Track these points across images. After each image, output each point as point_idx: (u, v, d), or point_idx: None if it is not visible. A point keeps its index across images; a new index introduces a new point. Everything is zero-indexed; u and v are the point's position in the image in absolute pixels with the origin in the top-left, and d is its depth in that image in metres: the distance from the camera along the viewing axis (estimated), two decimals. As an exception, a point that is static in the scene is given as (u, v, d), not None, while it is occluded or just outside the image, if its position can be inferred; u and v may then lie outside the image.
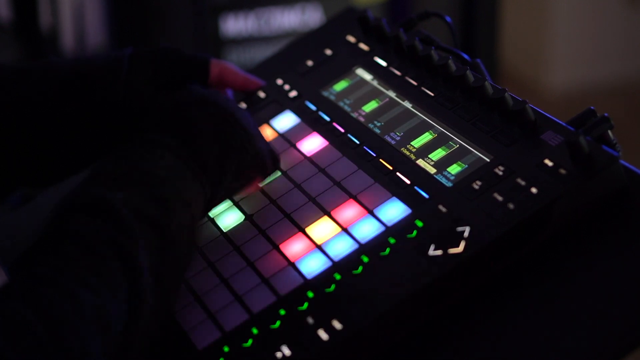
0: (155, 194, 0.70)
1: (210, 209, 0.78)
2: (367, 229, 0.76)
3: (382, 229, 0.75)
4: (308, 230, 0.78)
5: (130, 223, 0.67)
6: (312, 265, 0.75)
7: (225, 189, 0.78)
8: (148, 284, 0.66)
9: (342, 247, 0.75)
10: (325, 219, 0.78)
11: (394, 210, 0.76)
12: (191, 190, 0.73)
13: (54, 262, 0.64)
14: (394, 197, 0.77)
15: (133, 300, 0.64)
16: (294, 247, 0.77)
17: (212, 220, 0.83)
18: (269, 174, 0.82)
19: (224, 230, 0.82)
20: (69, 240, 0.66)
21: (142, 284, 0.65)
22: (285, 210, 0.81)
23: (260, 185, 0.84)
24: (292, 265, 0.75)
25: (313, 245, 0.76)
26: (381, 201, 0.78)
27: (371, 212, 0.77)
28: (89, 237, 0.66)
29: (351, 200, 0.79)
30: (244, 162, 0.78)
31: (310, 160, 0.85)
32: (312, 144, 0.87)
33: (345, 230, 0.76)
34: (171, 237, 0.69)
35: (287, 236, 0.78)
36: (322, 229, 0.78)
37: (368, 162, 0.82)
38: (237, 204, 0.84)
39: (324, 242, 0.76)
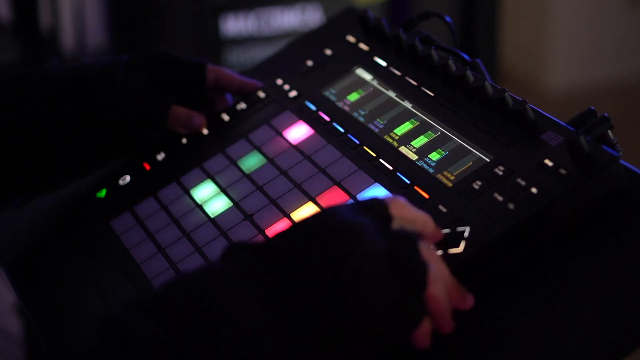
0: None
1: None
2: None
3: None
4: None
5: None
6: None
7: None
8: None
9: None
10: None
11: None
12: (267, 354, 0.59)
13: None
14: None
15: None
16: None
17: (213, 221, 0.83)
18: (390, 343, 0.63)
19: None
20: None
21: None
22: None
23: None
24: None
25: None
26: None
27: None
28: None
29: (348, 198, 0.79)
30: (343, 325, 0.61)
31: (310, 160, 0.85)
32: (313, 144, 0.87)
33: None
34: None
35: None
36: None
37: (368, 162, 0.82)
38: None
39: None
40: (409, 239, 0.64)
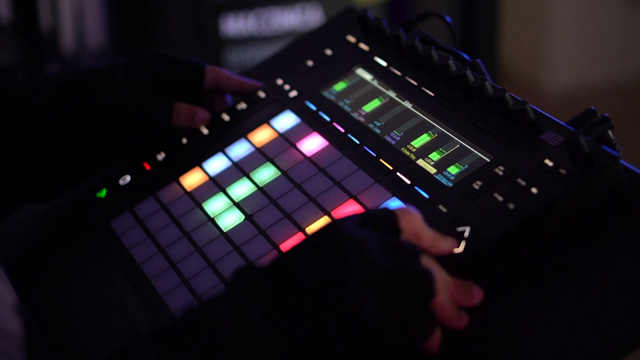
0: None
1: None
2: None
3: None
4: (308, 230, 0.78)
5: None
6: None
7: None
8: None
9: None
10: (326, 219, 0.78)
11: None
12: None
13: None
14: (394, 197, 0.77)
15: None
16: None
17: (212, 220, 0.83)
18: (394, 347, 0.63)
19: (224, 230, 0.82)
20: None
21: None
22: (285, 210, 0.81)
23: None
24: None
25: None
26: (381, 201, 0.78)
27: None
28: None
29: (351, 200, 0.79)
30: (347, 340, 0.61)
31: (310, 160, 0.85)
32: (312, 144, 0.87)
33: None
34: None
35: (287, 236, 0.78)
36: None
37: (368, 162, 0.82)
38: (237, 205, 0.84)
39: None
40: (411, 252, 0.65)
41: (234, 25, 2.29)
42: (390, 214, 0.67)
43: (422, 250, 0.66)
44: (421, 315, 0.63)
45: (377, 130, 0.85)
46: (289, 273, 0.63)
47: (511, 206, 0.71)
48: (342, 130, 0.86)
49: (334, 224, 0.65)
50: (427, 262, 0.66)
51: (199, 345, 0.60)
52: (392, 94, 0.88)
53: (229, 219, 0.83)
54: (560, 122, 0.76)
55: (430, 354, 0.65)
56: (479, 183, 0.74)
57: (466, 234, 0.71)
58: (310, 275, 0.62)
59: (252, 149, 0.89)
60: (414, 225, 0.67)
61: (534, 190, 0.71)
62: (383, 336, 0.61)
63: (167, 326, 0.63)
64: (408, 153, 0.81)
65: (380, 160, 0.81)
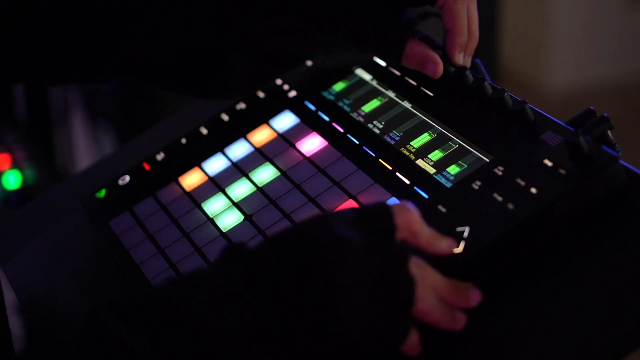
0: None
1: None
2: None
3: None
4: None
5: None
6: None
7: None
8: None
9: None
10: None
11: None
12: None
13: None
14: (394, 198, 0.77)
15: None
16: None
17: (212, 221, 0.83)
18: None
19: (224, 231, 0.82)
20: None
21: None
22: (285, 210, 0.81)
23: None
24: None
25: None
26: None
27: (371, 212, 0.77)
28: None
29: (350, 200, 0.79)
30: (321, 345, 0.61)
31: (309, 160, 0.85)
32: (312, 144, 0.87)
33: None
34: None
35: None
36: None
37: (368, 162, 0.82)
38: (236, 205, 0.84)
39: None
40: (399, 256, 0.64)
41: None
42: (386, 210, 0.66)
43: (413, 252, 0.65)
44: (396, 322, 0.63)
45: (377, 130, 0.85)
46: (268, 267, 0.62)
47: (511, 206, 0.71)
48: (342, 131, 0.86)
49: (326, 219, 0.64)
50: (416, 266, 0.64)
51: (166, 335, 0.59)
52: (391, 94, 0.88)
53: (229, 219, 0.83)
54: (560, 122, 0.76)
55: (411, 356, 0.65)
56: (479, 183, 0.74)
57: (466, 234, 0.71)
58: (292, 273, 0.61)
59: (251, 149, 0.89)
60: (411, 223, 0.66)
61: (533, 190, 0.71)
62: (356, 342, 0.61)
63: (144, 301, 0.61)
64: (407, 153, 0.81)
65: (380, 160, 0.81)
